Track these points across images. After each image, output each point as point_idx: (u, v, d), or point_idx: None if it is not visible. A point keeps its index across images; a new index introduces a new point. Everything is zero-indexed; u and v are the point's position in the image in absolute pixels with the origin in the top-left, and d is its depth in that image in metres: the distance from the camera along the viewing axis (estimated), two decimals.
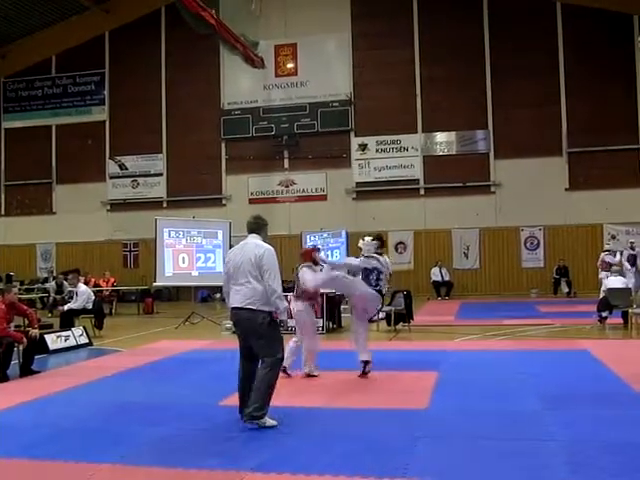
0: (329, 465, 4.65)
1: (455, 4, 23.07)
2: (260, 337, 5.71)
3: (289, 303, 7.59)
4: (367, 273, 8.18)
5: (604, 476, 4.31)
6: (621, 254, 16.10)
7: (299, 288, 8.09)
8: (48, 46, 25.95)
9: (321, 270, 8.12)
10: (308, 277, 7.92)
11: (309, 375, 7.93)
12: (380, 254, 8.52)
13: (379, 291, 8.16)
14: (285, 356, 6.40)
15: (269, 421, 5.62)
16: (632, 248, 16.40)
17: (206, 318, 15.43)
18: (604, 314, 12.32)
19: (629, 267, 15.72)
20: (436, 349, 10.18)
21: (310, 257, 8.25)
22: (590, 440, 5.10)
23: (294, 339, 8.13)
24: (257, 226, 6.11)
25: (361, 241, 8.64)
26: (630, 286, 13.16)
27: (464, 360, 9.17)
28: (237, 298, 5.80)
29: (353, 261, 8.60)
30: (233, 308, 5.86)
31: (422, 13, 23.49)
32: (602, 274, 15.36)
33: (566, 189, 22.44)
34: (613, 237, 19.65)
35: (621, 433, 5.27)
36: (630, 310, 11.81)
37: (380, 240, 8.74)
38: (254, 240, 6.00)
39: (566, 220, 22.27)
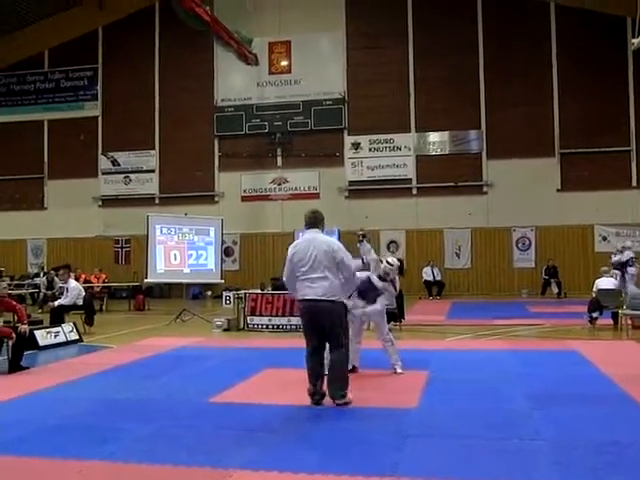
0: (318, 463, 4.65)
1: (449, 4, 23.10)
2: (336, 326, 6.17)
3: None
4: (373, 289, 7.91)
5: (592, 475, 4.32)
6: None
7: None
8: (41, 40, 25.81)
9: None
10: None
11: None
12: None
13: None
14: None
15: (349, 396, 6.26)
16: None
17: (197, 315, 15.40)
18: (594, 315, 12.38)
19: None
20: (427, 348, 10.19)
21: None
22: (579, 439, 5.12)
23: None
24: (316, 220, 6.34)
25: (387, 265, 7.88)
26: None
27: (454, 359, 9.19)
28: (315, 291, 6.05)
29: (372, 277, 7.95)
30: (310, 300, 6.09)
31: (416, 13, 23.53)
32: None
33: (558, 190, 22.52)
34: (604, 238, 19.72)
35: (609, 432, 5.29)
36: (620, 311, 11.88)
37: (401, 266, 8.10)
38: (321, 235, 6.27)
39: (557, 221, 22.33)
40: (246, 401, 6.69)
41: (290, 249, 6.35)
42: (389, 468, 4.52)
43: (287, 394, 6.86)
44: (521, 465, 4.57)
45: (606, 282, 13.02)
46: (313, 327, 6.28)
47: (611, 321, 12.38)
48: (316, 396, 6.25)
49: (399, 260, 8.20)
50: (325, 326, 6.21)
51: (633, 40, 14.88)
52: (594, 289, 13.01)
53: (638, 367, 8.42)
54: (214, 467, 4.60)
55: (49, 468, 4.70)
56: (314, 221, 6.34)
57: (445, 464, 4.62)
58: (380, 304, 8.01)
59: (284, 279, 6.45)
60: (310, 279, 6.10)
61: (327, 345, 6.37)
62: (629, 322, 11.90)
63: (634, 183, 22.10)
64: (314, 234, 6.27)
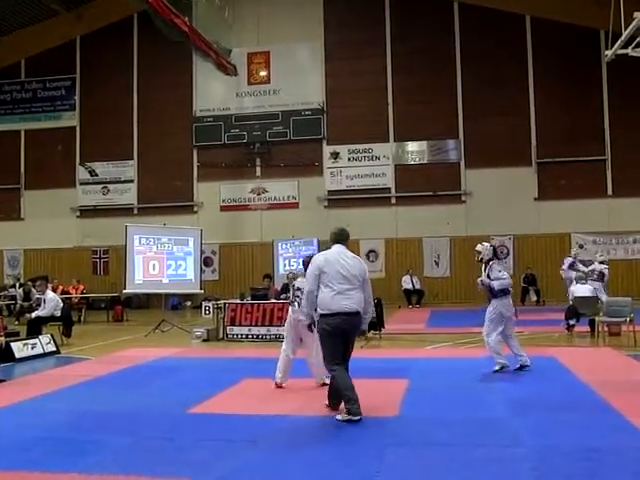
0: (298, 474, 4.64)
1: (427, 15, 23.31)
2: (354, 338, 6.29)
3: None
4: None
5: None
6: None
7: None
8: (18, 50, 25.58)
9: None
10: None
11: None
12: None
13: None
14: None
15: None
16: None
17: (176, 326, 15.30)
18: (572, 322, 12.49)
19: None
20: (407, 357, 10.22)
21: None
22: (557, 446, 5.16)
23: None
24: (343, 236, 6.42)
25: (480, 246, 8.90)
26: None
27: (434, 368, 9.23)
28: (351, 302, 6.04)
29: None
30: (347, 313, 6.01)
31: (394, 23, 23.70)
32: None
33: (535, 199, 22.74)
34: (581, 246, 19.92)
35: (587, 439, 5.35)
36: (597, 318, 12.00)
37: (494, 250, 8.91)
38: (349, 252, 6.32)
39: (535, 229, 22.55)
40: (225, 412, 6.67)
41: (318, 259, 6.23)
42: (370, 477, 4.53)
43: (267, 404, 6.85)
44: (500, 472, 4.60)
45: (583, 289, 13.13)
46: (344, 341, 6.15)
47: (588, 328, 12.49)
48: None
49: (491, 245, 8.95)
50: (352, 338, 6.24)
51: (607, 52, 15.10)
52: (570, 296, 13.13)
53: (615, 374, 8.52)
54: (193, 479, 4.57)
55: None
56: (342, 237, 6.39)
57: (425, 472, 4.64)
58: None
59: (307, 290, 6.18)
60: (345, 291, 6.03)
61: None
62: (606, 329, 12.02)
63: (610, 192, 22.38)
64: (341, 249, 6.28)
